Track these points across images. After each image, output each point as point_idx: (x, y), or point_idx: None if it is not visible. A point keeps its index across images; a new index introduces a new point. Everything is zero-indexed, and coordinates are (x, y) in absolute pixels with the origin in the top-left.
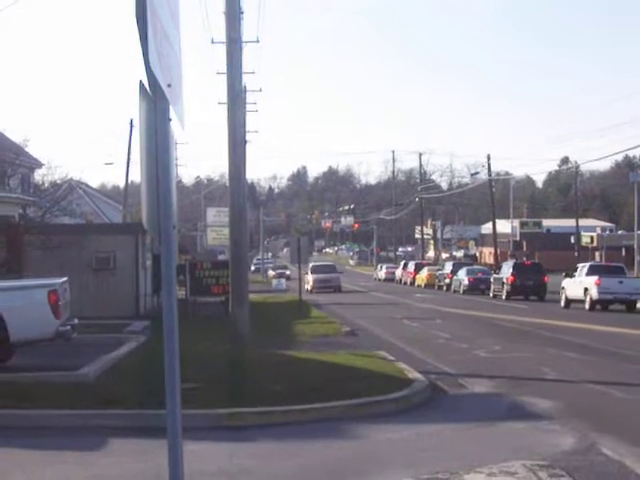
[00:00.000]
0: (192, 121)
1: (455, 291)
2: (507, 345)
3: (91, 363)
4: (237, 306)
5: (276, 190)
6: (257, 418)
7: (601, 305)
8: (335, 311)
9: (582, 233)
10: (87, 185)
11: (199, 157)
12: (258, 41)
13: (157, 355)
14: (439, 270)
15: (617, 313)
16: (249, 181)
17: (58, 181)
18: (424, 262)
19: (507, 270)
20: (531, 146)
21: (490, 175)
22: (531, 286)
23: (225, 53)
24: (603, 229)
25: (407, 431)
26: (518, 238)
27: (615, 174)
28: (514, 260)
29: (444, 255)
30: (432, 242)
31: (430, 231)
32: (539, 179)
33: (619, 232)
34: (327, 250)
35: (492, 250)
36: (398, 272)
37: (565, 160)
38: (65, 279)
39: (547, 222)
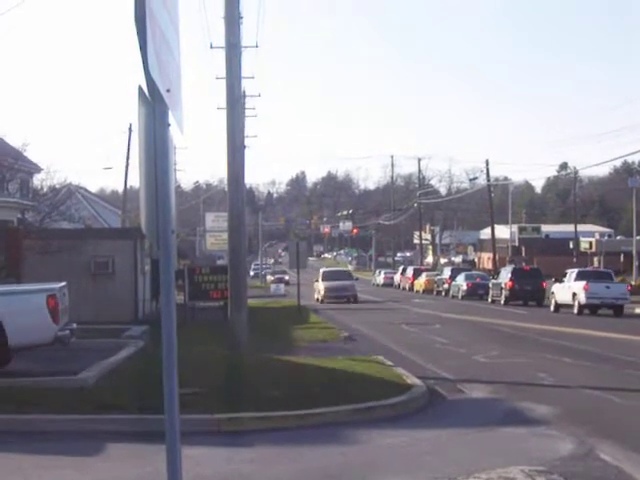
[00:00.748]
0: (191, 126)
1: (453, 296)
2: (505, 350)
3: (89, 368)
4: (236, 311)
5: (275, 195)
6: (255, 423)
7: (589, 310)
8: (333, 316)
9: (581, 238)
10: (86, 190)
11: (198, 162)
12: (257, 46)
13: (156, 360)
14: (438, 275)
15: (606, 318)
16: (248, 186)
17: (57, 186)
18: (422, 267)
19: (506, 275)
20: (530, 152)
21: (489, 180)
22: (530, 291)
23: (224, 58)
24: (602, 234)
25: (405, 436)
26: (517, 243)
27: (614, 180)
28: (513, 265)
29: (443, 260)
30: (431, 247)
31: (429, 236)
32: (538, 184)
33: (618, 238)
34: (326, 255)
35: (491, 255)
36: (396, 277)
37: (564, 166)
38: (64, 284)
39: (546, 227)
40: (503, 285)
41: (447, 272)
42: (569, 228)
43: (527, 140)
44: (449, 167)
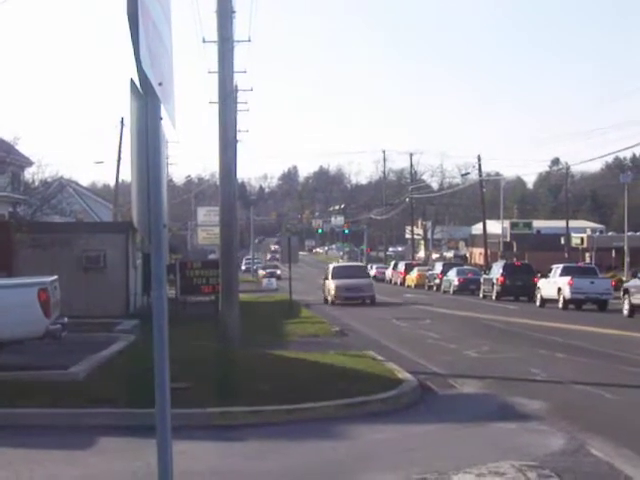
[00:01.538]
0: (183, 120)
1: (445, 291)
2: (497, 345)
3: (81, 362)
4: (227, 306)
5: (267, 190)
6: (247, 417)
7: (574, 304)
8: (325, 311)
9: (572, 234)
10: (77, 183)
11: (190, 156)
12: (250, 40)
13: (147, 354)
14: (429, 270)
15: (591, 312)
16: (240, 180)
17: (48, 179)
18: (414, 262)
19: (497, 271)
20: (522, 147)
21: (481, 176)
22: (521, 287)
23: (217, 52)
24: (593, 230)
25: (396, 431)
26: (508, 239)
27: (605, 175)
28: (504, 261)
29: (434, 255)
30: (422, 242)
31: (420, 231)
32: (529, 180)
33: (609, 233)
34: (317, 250)
35: (482, 251)
36: (388, 272)
37: (556, 161)
38: (55, 277)
39: (537, 223)
40: (494, 280)
41: (439, 267)
42: (561, 224)
43: (519, 136)
44: (441, 162)
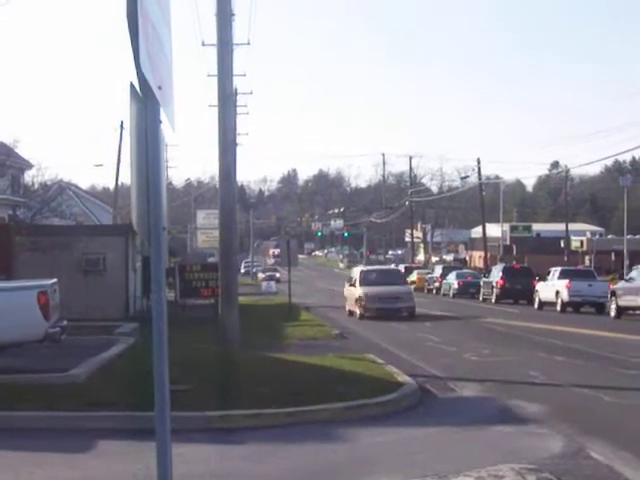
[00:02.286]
0: (183, 123)
1: (445, 294)
2: (496, 349)
3: (80, 365)
4: (227, 308)
5: (266, 193)
6: (246, 420)
7: (572, 307)
8: (324, 314)
9: (572, 237)
10: (77, 186)
11: (190, 159)
12: (249, 43)
13: (147, 357)
14: (429, 273)
15: (588, 315)
16: (239, 184)
17: (48, 182)
18: (414, 265)
19: (497, 274)
20: (521, 150)
21: (480, 179)
22: (520, 290)
23: (216, 55)
24: (593, 233)
25: (396, 434)
26: (508, 242)
27: (605, 178)
28: (504, 264)
29: (434, 258)
30: (422, 245)
31: (420, 234)
32: (529, 183)
33: (609, 236)
34: (317, 253)
35: (482, 254)
36: None
37: (555, 164)
38: (55, 280)
39: (537, 226)
40: (494, 284)
41: (438, 270)
42: (560, 227)
43: (518, 139)
44: (440, 165)
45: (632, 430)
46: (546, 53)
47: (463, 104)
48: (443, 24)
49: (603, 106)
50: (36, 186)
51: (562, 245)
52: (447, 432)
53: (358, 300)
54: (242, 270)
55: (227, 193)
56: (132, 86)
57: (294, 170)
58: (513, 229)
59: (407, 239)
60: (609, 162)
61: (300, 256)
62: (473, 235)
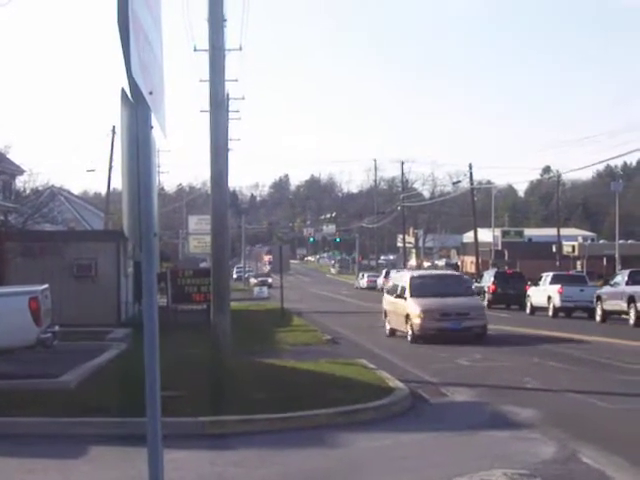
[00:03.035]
0: (174, 129)
1: None
2: (488, 354)
3: (72, 371)
4: (219, 314)
5: (258, 198)
6: (239, 426)
7: (564, 312)
8: (316, 319)
9: (563, 242)
10: (69, 192)
11: (181, 165)
12: (241, 49)
13: (138, 363)
14: None
15: (580, 320)
16: (231, 189)
17: (40, 188)
18: None
19: (488, 279)
20: (513, 155)
21: (472, 184)
22: (512, 295)
23: (208, 61)
24: (584, 238)
25: (388, 439)
26: (500, 247)
27: (597, 184)
28: (495, 269)
29: (426, 264)
30: (414, 251)
31: (412, 239)
32: (521, 188)
33: (601, 241)
34: (309, 258)
35: (473, 259)
36: (380, 280)
37: (547, 169)
38: (46, 286)
39: (529, 231)
40: (486, 289)
41: None
42: (552, 232)
43: (510, 144)
44: (432, 171)
45: (624, 435)
46: (538, 59)
47: (454, 109)
48: (435, 30)
49: (595, 111)
50: (28, 192)
51: (554, 250)
52: (439, 437)
53: (409, 318)
54: (234, 275)
55: (219, 198)
56: (123, 91)
57: (286, 175)
58: (505, 234)
59: (399, 244)
60: (601, 167)
61: (292, 261)
62: (465, 240)
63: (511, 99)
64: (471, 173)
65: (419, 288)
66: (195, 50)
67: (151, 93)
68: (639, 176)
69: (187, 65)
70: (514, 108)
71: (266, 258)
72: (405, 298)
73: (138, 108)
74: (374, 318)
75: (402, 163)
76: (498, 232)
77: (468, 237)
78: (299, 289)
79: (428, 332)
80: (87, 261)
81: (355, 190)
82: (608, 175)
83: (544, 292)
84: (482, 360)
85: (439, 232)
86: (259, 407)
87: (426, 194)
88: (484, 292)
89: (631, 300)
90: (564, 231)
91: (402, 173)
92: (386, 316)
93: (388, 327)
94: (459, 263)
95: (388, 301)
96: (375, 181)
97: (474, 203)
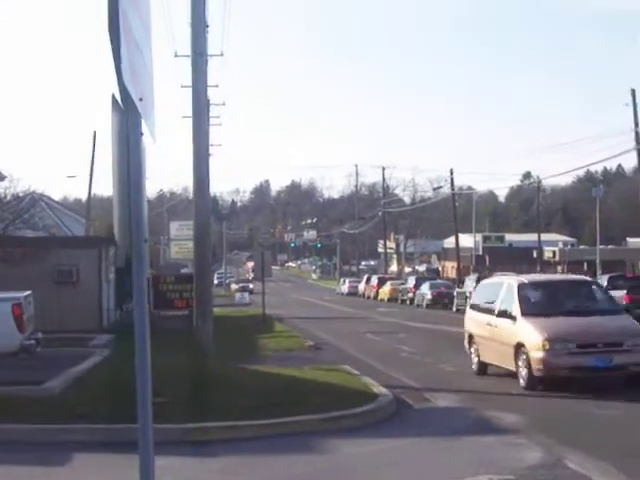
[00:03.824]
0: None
1: (418, 305)
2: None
3: (56, 377)
4: (201, 320)
5: (239, 204)
6: (223, 432)
7: None
8: (298, 325)
9: (544, 247)
10: (49, 198)
11: (162, 170)
12: (222, 55)
13: (122, 369)
14: (402, 284)
15: None
16: (212, 194)
17: (20, 194)
18: (387, 276)
19: (470, 284)
20: (493, 161)
21: (453, 189)
22: None
23: (190, 66)
24: (565, 243)
25: (373, 446)
26: (481, 252)
27: (577, 189)
28: (477, 274)
29: (407, 269)
30: (395, 256)
31: (393, 245)
32: (501, 194)
33: (581, 247)
34: (290, 264)
35: (454, 264)
36: (361, 286)
37: (527, 175)
38: (29, 293)
39: (509, 236)
40: (468, 294)
41: (412, 281)
42: (532, 237)
43: (491, 150)
44: (413, 176)
45: (609, 440)
46: (518, 65)
47: (435, 115)
48: (413, 37)
49: (574, 117)
50: (8, 197)
51: (535, 255)
52: (424, 443)
53: (523, 349)
54: (215, 281)
55: (202, 204)
56: (114, 98)
57: (267, 181)
58: (486, 239)
59: (380, 250)
60: (580, 173)
61: (273, 267)
62: (446, 245)
63: (491, 105)
64: (452, 179)
65: (536, 302)
66: (176, 56)
67: (141, 99)
68: (619, 181)
69: (168, 70)
70: (495, 114)
71: (249, 265)
72: (513, 318)
73: (129, 114)
74: (356, 323)
75: (383, 169)
76: (479, 237)
77: (449, 242)
78: (280, 295)
79: (557, 372)
80: (68, 267)
81: (336, 196)
82: (588, 180)
83: None
84: (465, 365)
85: (420, 237)
86: (244, 413)
87: (407, 200)
88: (466, 298)
89: None
90: (544, 236)
91: (383, 179)
92: (473, 343)
93: (476, 360)
94: (440, 268)
95: (477, 321)
96: (356, 186)
97: (455, 209)
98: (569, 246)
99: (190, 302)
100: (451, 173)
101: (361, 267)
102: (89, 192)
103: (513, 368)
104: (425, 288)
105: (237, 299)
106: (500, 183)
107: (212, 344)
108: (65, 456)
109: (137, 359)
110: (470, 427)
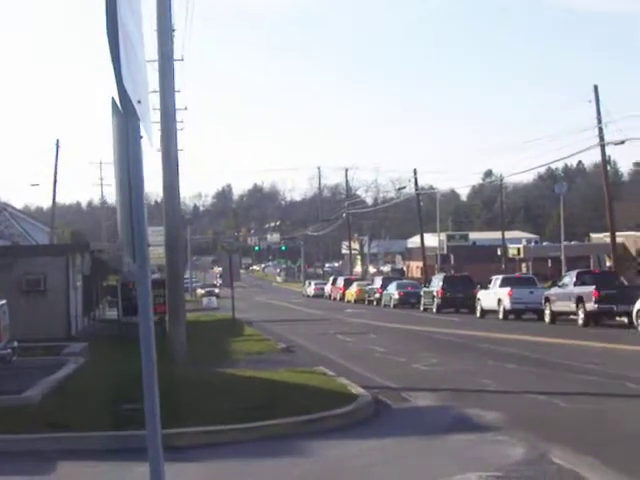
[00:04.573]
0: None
1: (385, 305)
2: (444, 358)
3: (35, 386)
4: (174, 325)
5: (201, 208)
6: (202, 438)
7: (514, 314)
8: (268, 328)
9: (508, 245)
10: (13, 207)
11: None
12: (183, 59)
13: (99, 376)
14: (369, 285)
15: (530, 322)
16: None
17: None
18: (353, 277)
19: (437, 283)
20: (454, 160)
21: (417, 189)
22: (461, 298)
23: (157, 71)
24: (528, 240)
25: (354, 447)
26: (445, 251)
27: (538, 186)
28: (444, 273)
29: (372, 270)
30: (359, 257)
31: (357, 246)
32: (463, 192)
33: (544, 243)
34: (254, 267)
35: (419, 264)
36: (327, 288)
37: (489, 173)
38: (4, 302)
39: (473, 235)
40: (435, 293)
41: (378, 282)
42: (496, 235)
43: (451, 149)
44: (375, 177)
45: (590, 434)
46: (478, 64)
47: (396, 116)
48: (373, 37)
49: (535, 115)
50: None
51: (499, 253)
52: (407, 442)
53: None
54: None
55: (172, 210)
56: (114, 101)
57: (229, 185)
58: (450, 238)
59: (344, 251)
60: (542, 170)
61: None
62: (409, 245)
63: (451, 105)
64: (416, 179)
65: None
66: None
67: (139, 102)
68: (580, 178)
69: None
70: (454, 113)
71: (216, 270)
72: None
73: (128, 118)
74: (325, 325)
75: (346, 170)
76: (443, 236)
77: (413, 242)
78: (247, 299)
79: None
80: (36, 276)
81: (298, 198)
82: (549, 177)
83: (494, 295)
84: (439, 364)
85: (383, 238)
86: (222, 418)
87: (370, 200)
88: (433, 297)
89: (579, 300)
90: (508, 234)
91: (346, 180)
92: None
93: None
94: (405, 268)
95: None
96: (319, 188)
97: (420, 208)
98: (533, 243)
99: (160, 308)
100: (415, 173)
101: (326, 269)
102: (53, 200)
103: None
104: (392, 288)
105: (205, 303)
106: (462, 182)
107: (185, 349)
108: (49, 465)
109: (144, 368)
110: (452, 425)
